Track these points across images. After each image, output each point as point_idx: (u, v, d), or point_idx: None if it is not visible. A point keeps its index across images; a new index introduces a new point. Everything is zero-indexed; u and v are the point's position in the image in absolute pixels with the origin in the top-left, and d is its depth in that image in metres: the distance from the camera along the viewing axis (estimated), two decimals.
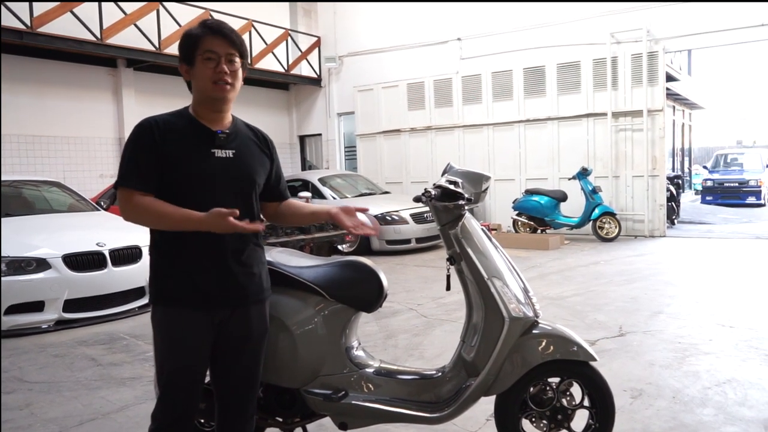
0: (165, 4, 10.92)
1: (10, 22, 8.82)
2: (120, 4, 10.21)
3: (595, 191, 10.13)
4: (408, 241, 9.62)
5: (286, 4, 14.47)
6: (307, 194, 9.82)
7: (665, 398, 3.41)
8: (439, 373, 2.57)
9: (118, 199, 1.97)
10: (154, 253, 2.04)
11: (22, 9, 8.96)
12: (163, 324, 2.02)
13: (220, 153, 2.00)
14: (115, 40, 10.22)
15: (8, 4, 8.74)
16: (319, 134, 14.77)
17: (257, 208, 2.13)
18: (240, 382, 2.12)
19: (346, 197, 10.58)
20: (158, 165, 1.94)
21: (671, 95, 16.39)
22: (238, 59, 2.00)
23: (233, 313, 2.05)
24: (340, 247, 8.17)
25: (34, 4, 9.07)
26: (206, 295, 1.99)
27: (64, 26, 9.48)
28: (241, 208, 1.94)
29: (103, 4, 9.97)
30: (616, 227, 10.16)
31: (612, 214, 10.22)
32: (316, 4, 14.53)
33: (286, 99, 15.06)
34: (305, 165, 15.17)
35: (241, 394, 2.13)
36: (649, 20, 10.39)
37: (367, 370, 2.56)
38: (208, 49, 1.95)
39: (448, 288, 2.53)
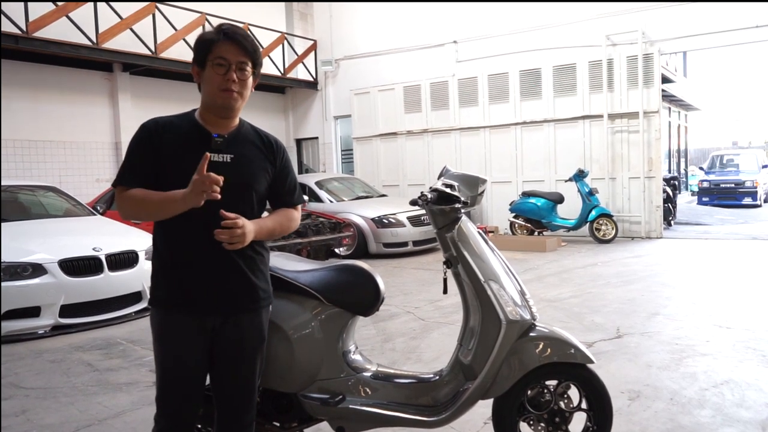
0: (161, 7, 10.91)
1: (5, 26, 8.81)
2: (116, 7, 10.21)
3: (591, 193, 10.14)
4: (405, 244, 9.62)
5: (282, 7, 14.49)
6: (304, 198, 9.81)
7: (663, 400, 3.41)
8: (437, 377, 2.56)
9: (115, 198, 2.02)
10: (154, 258, 2.07)
11: (17, 13, 8.95)
12: (157, 327, 2.06)
13: (216, 158, 1.96)
14: (111, 44, 10.20)
15: (4, 8, 8.72)
16: (316, 137, 14.78)
17: (258, 214, 2.09)
18: (236, 391, 2.11)
19: (343, 200, 10.57)
20: (154, 166, 1.96)
21: (667, 97, 16.44)
22: (249, 68, 1.97)
23: (226, 321, 2.04)
24: (337, 250, 8.16)
25: (30, 8, 9.05)
26: (194, 301, 1.99)
27: (59, 30, 9.47)
28: (240, 214, 1.93)
29: (98, 8, 9.96)
30: (612, 229, 10.16)
31: (609, 216, 10.22)
32: (312, 7, 14.56)
33: (283, 102, 15.06)
34: (302, 168, 15.18)
35: (238, 403, 2.12)
36: (644, 22, 10.42)
37: (365, 374, 2.56)
38: (220, 55, 1.93)
39: (445, 291, 2.53)
